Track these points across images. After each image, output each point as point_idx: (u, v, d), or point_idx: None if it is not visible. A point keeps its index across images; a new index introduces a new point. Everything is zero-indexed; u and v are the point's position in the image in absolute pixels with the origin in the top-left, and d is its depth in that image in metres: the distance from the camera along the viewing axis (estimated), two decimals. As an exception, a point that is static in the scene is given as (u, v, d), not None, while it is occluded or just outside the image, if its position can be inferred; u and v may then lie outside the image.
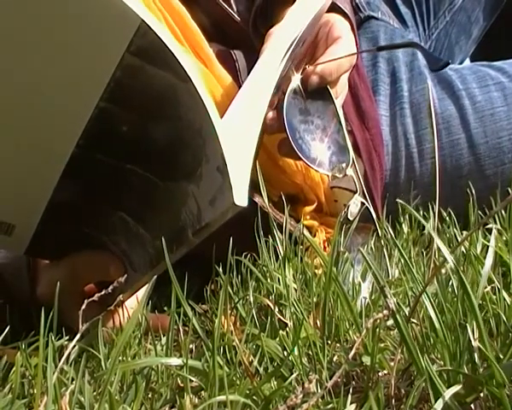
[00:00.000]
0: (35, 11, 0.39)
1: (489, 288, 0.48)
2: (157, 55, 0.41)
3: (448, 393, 0.34)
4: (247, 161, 0.44)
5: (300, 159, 0.63)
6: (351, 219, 0.62)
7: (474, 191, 0.77)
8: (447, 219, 0.69)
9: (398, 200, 0.49)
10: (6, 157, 0.47)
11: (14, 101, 0.43)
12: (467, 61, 1.19)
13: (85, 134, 0.46)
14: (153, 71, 0.42)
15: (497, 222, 0.68)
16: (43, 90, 0.43)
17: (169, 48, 0.40)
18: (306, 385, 0.33)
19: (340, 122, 0.66)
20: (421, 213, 0.72)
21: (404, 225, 0.69)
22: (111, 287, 0.46)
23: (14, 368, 0.43)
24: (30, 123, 0.45)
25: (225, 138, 0.41)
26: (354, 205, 0.64)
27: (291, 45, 0.57)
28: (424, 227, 0.66)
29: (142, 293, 0.53)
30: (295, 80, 0.64)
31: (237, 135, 0.44)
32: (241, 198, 0.41)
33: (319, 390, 0.38)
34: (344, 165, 0.64)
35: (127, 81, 0.43)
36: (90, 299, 0.44)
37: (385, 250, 0.61)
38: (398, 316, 0.37)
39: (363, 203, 0.65)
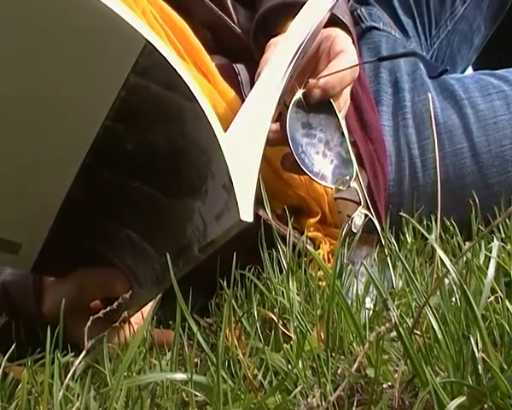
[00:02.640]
0: (42, 33, 0.39)
1: (492, 298, 0.48)
2: (162, 74, 0.41)
3: (452, 405, 0.34)
4: (252, 177, 0.44)
5: (304, 173, 0.63)
6: (355, 231, 0.63)
7: (477, 200, 0.77)
8: (451, 228, 0.69)
9: (401, 213, 0.49)
10: (12, 177, 0.47)
11: (20, 122, 0.43)
12: (469, 70, 1.19)
13: (91, 152, 0.47)
14: (158, 90, 0.43)
15: (501, 231, 0.68)
16: (48, 110, 0.43)
17: (174, 67, 0.40)
18: (309, 400, 0.33)
19: (343, 135, 0.66)
20: (425, 222, 0.72)
21: (407, 236, 0.69)
22: (116, 303, 0.46)
23: (20, 385, 0.43)
24: (36, 143, 0.45)
25: (230, 155, 0.42)
26: (358, 217, 0.64)
27: (293, 57, 0.58)
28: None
29: (147, 309, 0.54)
30: (298, 94, 0.64)
31: (242, 151, 0.44)
32: (246, 214, 0.41)
33: (323, 403, 0.38)
34: (347, 177, 0.64)
35: (132, 100, 0.43)
36: (96, 315, 0.44)
37: (389, 261, 0.61)
38: (400, 329, 0.37)
39: (367, 215, 0.65)
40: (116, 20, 0.38)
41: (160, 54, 0.40)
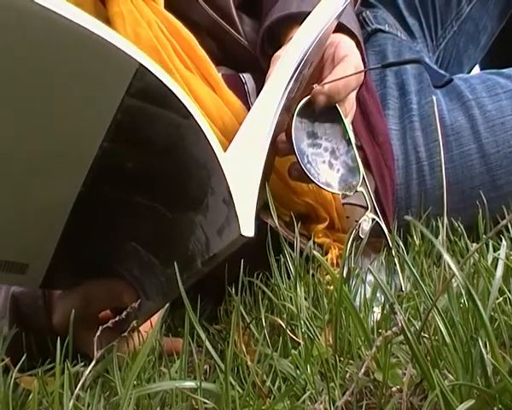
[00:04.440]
0: (34, 61, 0.39)
1: (501, 299, 0.48)
2: (157, 94, 0.42)
3: (461, 408, 0.34)
4: (252, 191, 0.44)
5: (311, 182, 0.63)
6: (362, 236, 0.63)
7: (486, 202, 0.77)
8: (459, 230, 0.69)
9: (407, 217, 0.49)
10: (16, 200, 0.48)
11: (20, 145, 0.44)
12: (476, 69, 1.19)
13: (91, 173, 0.47)
14: (154, 110, 0.43)
15: (511, 231, 0.67)
16: (47, 134, 0.44)
17: (168, 86, 0.41)
18: (317, 405, 0.33)
19: (349, 142, 0.66)
20: (433, 224, 0.72)
21: (415, 238, 0.69)
22: (124, 313, 0.46)
23: (31, 395, 0.44)
24: (37, 166, 0.46)
25: (230, 171, 0.42)
26: (365, 222, 0.64)
27: (297, 68, 0.58)
28: (436, 239, 0.66)
29: (155, 317, 0.54)
30: (302, 101, 0.64)
31: (242, 166, 0.45)
32: (247, 229, 0.42)
33: (332, 408, 0.38)
34: (354, 183, 0.64)
35: (129, 121, 0.44)
36: (105, 326, 0.45)
37: (397, 263, 0.61)
38: (408, 332, 0.37)
39: (374, 219, 0.65)
40: (108, 46, 0.39)
41: (154, 75, 0.40)
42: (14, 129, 0.43)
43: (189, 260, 0.47)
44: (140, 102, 0.42)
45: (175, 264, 0.45)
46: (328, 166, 0.64)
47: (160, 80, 0.41)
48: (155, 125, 0.44)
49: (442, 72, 0.67)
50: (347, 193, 0.64)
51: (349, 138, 0.66)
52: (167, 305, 0.48)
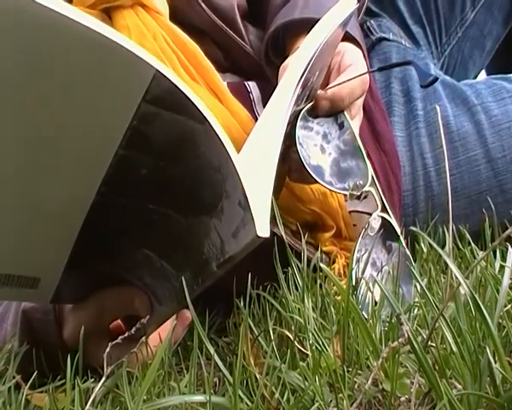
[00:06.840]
0: (55, 69, 0.40)
1: (509, 306, 0.48)
2: (172, 100, 0.42)
3: (469, 417, 0.34)
4: (266, 192, 0.45)
5: (312, 183, 0.63)
6: (371, 234, 0.63)
7: (493, 207, 0.77)
8: (466, 236, 0.69)
9: (412, 228, 0.49)
10: (30, 211, 0.48)
11: (34, 154, 0.44)
12: (482, 75, 1.19)
13: (106, 181, 0.47)
14: (169, 116, 0.43)
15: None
16: (61, 142, 0.44)
17: (184, 92, 0.41)
18: (324, 418, 0.33)
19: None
20: (440, 231, 0.72)
21: (422, 245, 0.69)
22: (134, 329, 0.47)
23: (42, 412, 0.44)
24: (50, 176, 0.46)
25: (244, 173, 0.42)
26: (375, 221, 0.65)
27: (303, 74, 0.58)
28: (444, 245, 0.66)
29: (165, 332, 0.54)
30: (308, 106, 0.64)
31: (255, 168, 0.45)
32: (263, 230, 0.42)
33: (340, 420, 0.38)
34: (361, 182, 0.64)
35: (144, 128, 0.44)
36: (114, 342, 0.45)
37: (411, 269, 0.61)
38: (414, 343, 0.37)
39: (383, 219, 0.65)
40: (124, 53, 0.39)
41: (170, 81, 0.41)
42: (31, 136, 0.43)
43: (204, 263, 0.47)
44: (156, 108, 0.43)
45: (183, 275, 0.46)
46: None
47: (176, 86, 0.41)
48: (170, 131, 0.45)
49: (430, 72, 0.67)
50: (354, 192, 0.63)
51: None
52: (174, 323, 0.48)
